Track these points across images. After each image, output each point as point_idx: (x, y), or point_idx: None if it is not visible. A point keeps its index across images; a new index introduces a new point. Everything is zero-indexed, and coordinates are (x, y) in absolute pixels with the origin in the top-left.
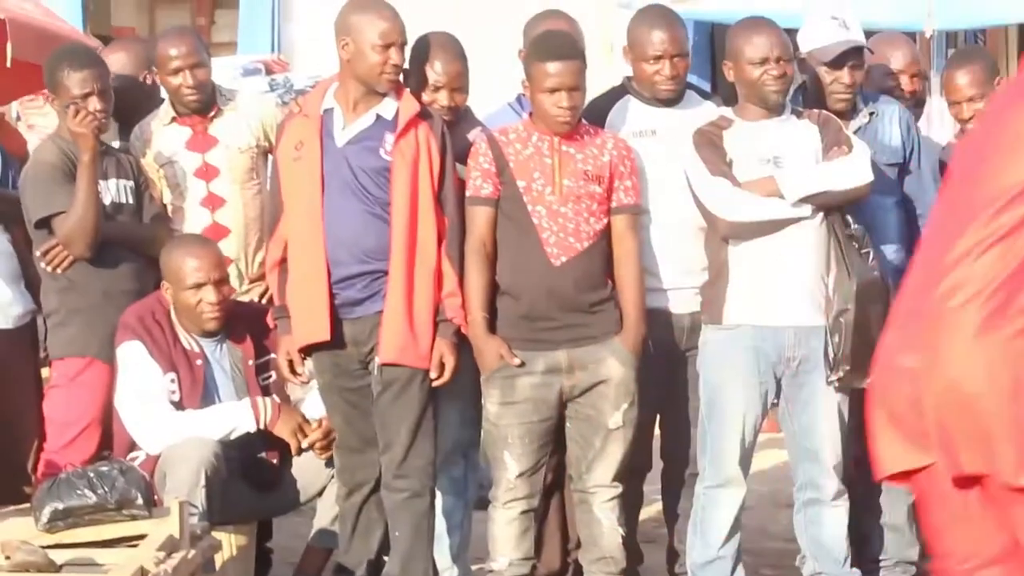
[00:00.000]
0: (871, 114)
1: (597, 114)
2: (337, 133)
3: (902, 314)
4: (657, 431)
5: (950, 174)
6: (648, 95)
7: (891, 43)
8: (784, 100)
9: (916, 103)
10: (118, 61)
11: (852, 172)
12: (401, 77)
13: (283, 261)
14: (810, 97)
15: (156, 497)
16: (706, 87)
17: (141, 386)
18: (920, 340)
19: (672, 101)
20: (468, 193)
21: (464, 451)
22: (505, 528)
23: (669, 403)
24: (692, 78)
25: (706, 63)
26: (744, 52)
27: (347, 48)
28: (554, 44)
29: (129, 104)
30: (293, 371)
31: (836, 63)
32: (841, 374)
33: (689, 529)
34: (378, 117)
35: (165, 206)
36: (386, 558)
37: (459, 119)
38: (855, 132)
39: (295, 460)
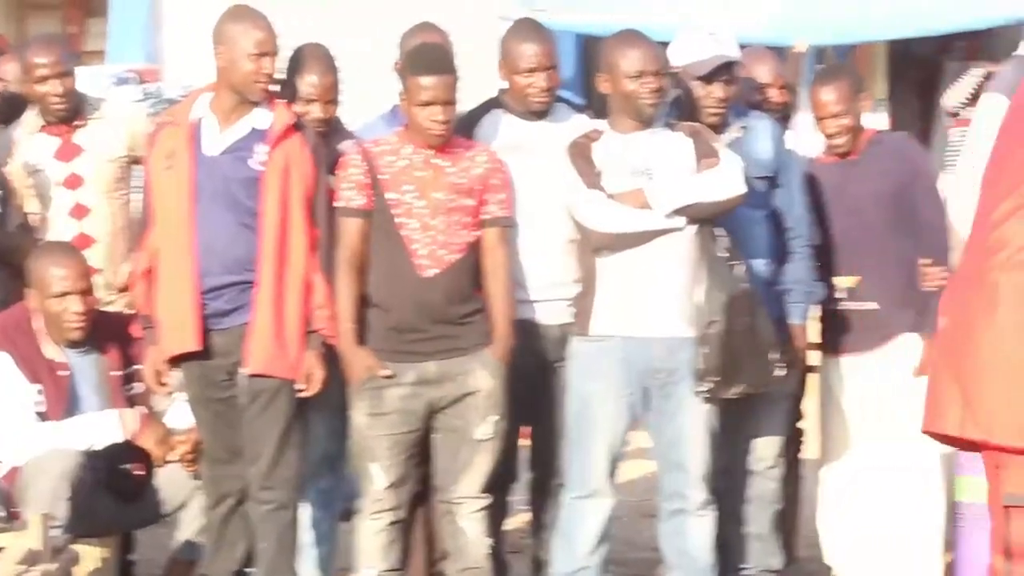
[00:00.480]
0: (743, 128)
1: (467, 127)
2: (209, 143)
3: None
4: (525, 441)
5: (1002, 131)
6: (521, 108)
7: (756, 57)
8: (657, 113)
9: (784, 116)
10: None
11: (723, 184)
12: (276, 88)
13: (151, 272)
14: (683, 111)
15: (15, 510)
16: (579, 100)
17: (5, 398)
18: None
19: (543, 114)
20: (339, 204)
21: (332, 463)
22: (372, 539)
23: (537, 414)
24: (566, 92)
25: (579, 76)
26: (619, 65)
27: (222, 56)
28: (429, 58)
29: None
30: (160, 382)
31: (709, 77)
32: (709, 385)
33: (555, 539)
34: (251, 128)
35: (27, 216)
36: (251, 570)
37: (331, 131)
38: (727, 146)
39: (159, 471)
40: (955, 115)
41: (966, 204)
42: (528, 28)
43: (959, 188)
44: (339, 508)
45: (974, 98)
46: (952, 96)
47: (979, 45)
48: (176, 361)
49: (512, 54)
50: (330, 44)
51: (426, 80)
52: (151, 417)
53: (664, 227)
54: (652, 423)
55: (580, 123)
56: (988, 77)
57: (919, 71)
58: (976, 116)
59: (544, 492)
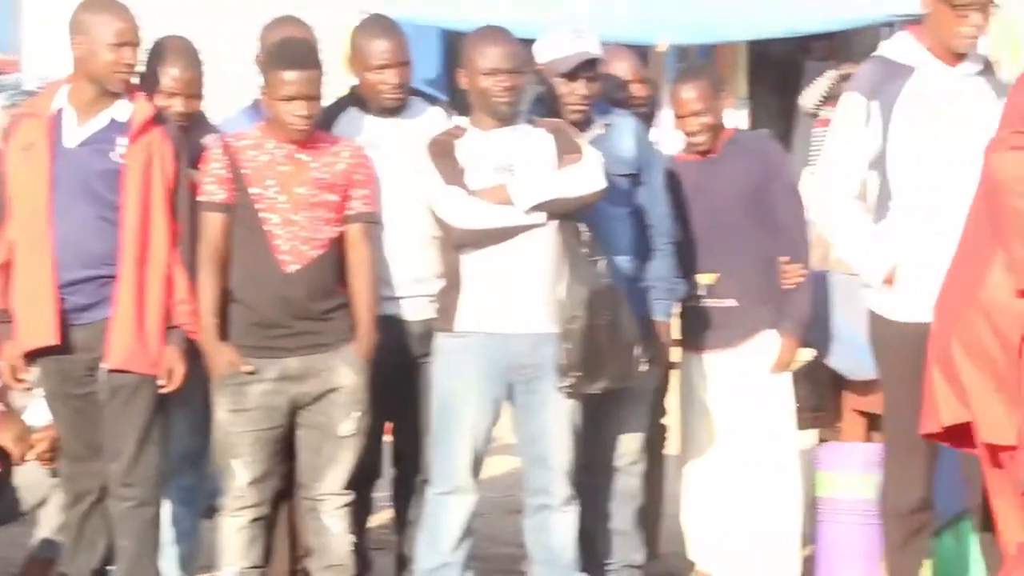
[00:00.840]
0: (606, 125)
1: (323, 125)
2: (68, 135)
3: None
4: (388, 437)
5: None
6: (374, 105)
7: (615, 55)
8: (513, 111)
9: (646, 114)
10: None
11: (583, 179)
12: (137, 80)
13: (7, 265)
14: (547, 108)
15: None
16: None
17: None
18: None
19: (396, 110)
20: (201, 199)
21: (193, 459)
22: (234, 536)
23: (401, 410)
24: (431, 88)
25: (443, 70)
26: (475, 62)
27: (80, 47)
28: (292, 52)
29: None
30: (16, 377)
31: (572, 75)
32: (572, 381)
33: (418, 535)
34: (112, 120)
35: None
36: (111, 568)
37: (193, 124)
38: (590, 143)
39: (17, 469)
40: (815, 115)
41: (826, 201)
42: (378, 24)
43: (818, 186)
44: (201, 505)
45: (829, 98)
46: (808, 97)
47: (837, 46)
48: (33, 356)
49: (363, 51)
50: (192, 37)
51: (289, 75)
52: (8, 414)
53: (525, 223)
54: (516, 419)
55: (435, 118)
56: (844, 78)
57: (779, 71)
58: (835, 115)
59: (408, 488)
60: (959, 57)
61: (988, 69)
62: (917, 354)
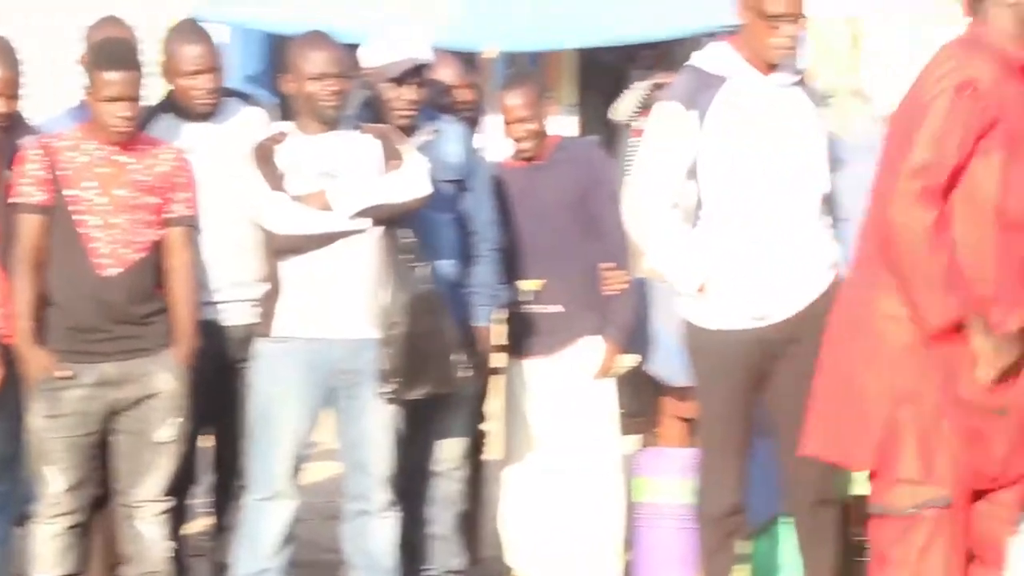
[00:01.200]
0: (434, 131)
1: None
2: None
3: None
4: (208, 443)
5: (888, 138)
6: (187, 110)
7: (442, 61)
8: (339, 115)
9: (473, 120)
10: None
11: (408, 185)
12: None
13: None
14: (374, 113)
15: None
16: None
17: None
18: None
19: (210, 115)
20: (17, 200)
21: (7, 466)
22: (48, 544)
23: (220, 415)
24: (260, 90)
25: (269, 75)
26: (301, 66)
27: None
28: (114, 53)
29: None
30: None
31: (399, 80)
32: (393, 387)
33: (237, 542)
34: None
35: None
36: None
37: (12, 125)
38: (418, 149)
39: None
40: (628, 126)
41: (640, 210)
42: (189, 30)
43: (633, 195)
44: (14, 512)
45: (644, 108)
46: (620, 109)
47: (663, 56)
48: None
49: (174, 57)
50: (12, 36)
51: (110, 75)
52: None
53: (347, 229)
54: (337, 424)
55: (251, 119)
56: (656, 87)
57: (607, 79)
58: (649, 124)
59: (226, 494)
60: (773, 67)
61: (803, 80)
62: (730, 361)
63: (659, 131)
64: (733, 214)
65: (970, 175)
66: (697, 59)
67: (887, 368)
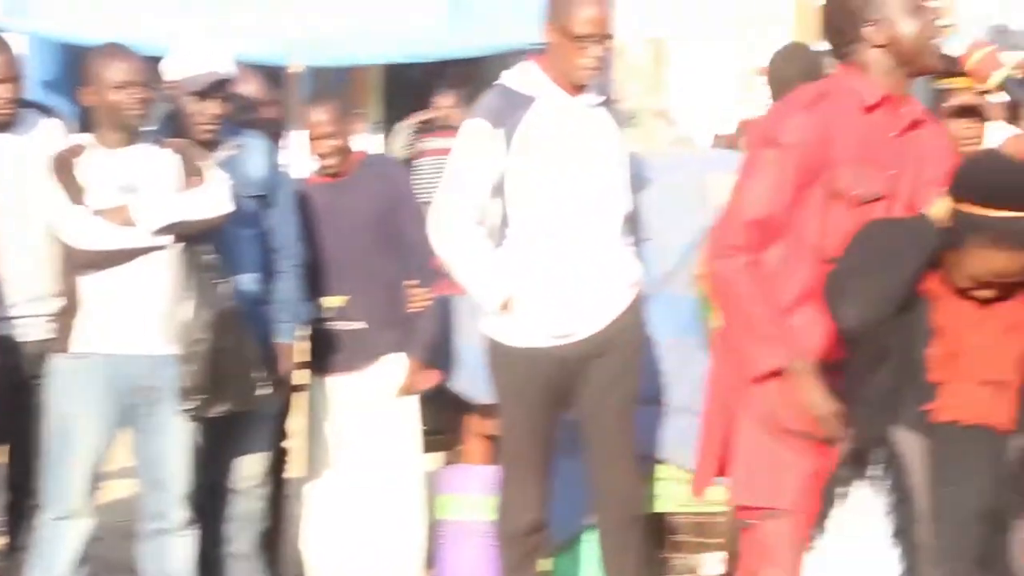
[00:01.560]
0: (238, 146)
1: None
2: None
3: None
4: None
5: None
6: None
7: (245, 75)
8: (143, 125)
9: (276, 135)
10: None
11: (209, 202)
12: None
13: None
14: (176, 127)
15: None
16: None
17: None
18: None
19: (7, 125)
20: None
21: None
22: None
23: (14, 432)
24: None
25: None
26: (103, 76)
27: None
28: None
29: None
30: None
31: (203, 94)
32: (194, 404)
33: (31, 561)
34: None
35: None
36: None
37: None
38: (221, 164)
39: None
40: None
41: (445, 227)
42: None
43: (435, 211)
44: None
45: (415, 142)
46: (393, 149)
47: (470, 73)
48: None
49: None
50: None
51: None
52: None
53: (148, 244)
54: (134, 442)
55: (49, 131)
56: (423, 125)
57: (413, 95)
58: (456, 142)
59: (20, 513)
60: (581, 88)
61: (611, 100)
62: (531, 379)
63: (465, 148)
64: (537, 233)
65: (797, 223)
66: (506, 78)
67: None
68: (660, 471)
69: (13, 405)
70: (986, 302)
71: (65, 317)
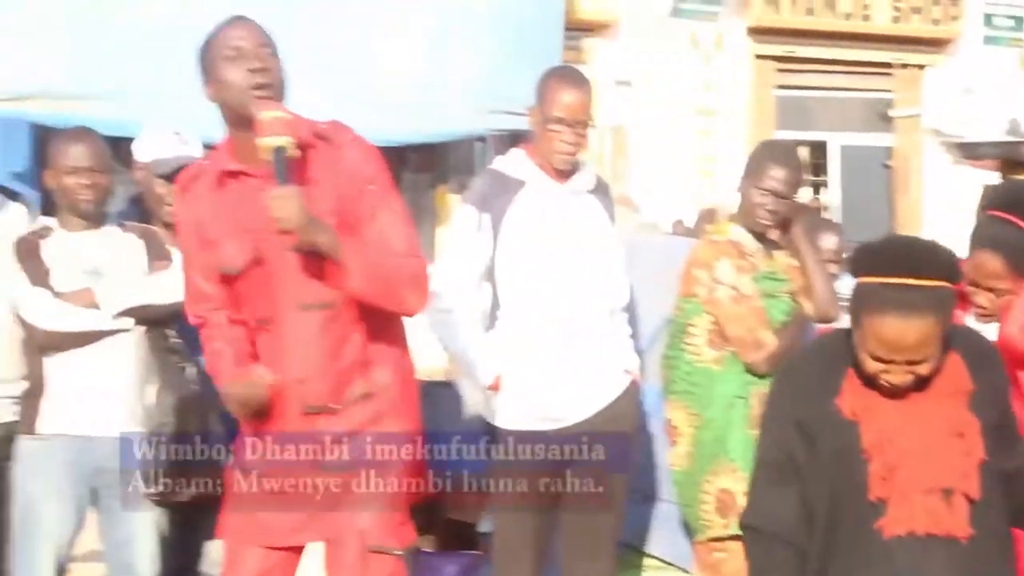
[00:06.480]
0: None
1: None
2: None
3: None
4: None
5: None
6: None
7: None
8: (97, 210)
9: None
10: None
11: (174, 286)
12: None
13: None
14: (143, 208)
15: None
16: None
17: None
18: None
19: None
20: None
21: None
22: None
23: None
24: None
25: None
26: (59, 160)
27: None
28: None
29: None
30: None
31: (171, 176)
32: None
33: None
34: None
35: None
36: None
37: None
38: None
39: None
40: None
41: (437, 310)
42: None
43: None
44: None
45: None
46: None
47: (435, 158)
48: None
49: None
50: None
51: None
52: None
53: (112, 327)
54: (102, 525)
55: (16, 214)
56: None
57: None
58: (449, 228)
59: None
60: (567, 174)
61: (601, 187)
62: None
63: (455, 233)
64: (527, 316)
65: None
66: (498, 163)
67: None
68: (634, 561)
69: None
70: (903, 395)
71: (31, 399)
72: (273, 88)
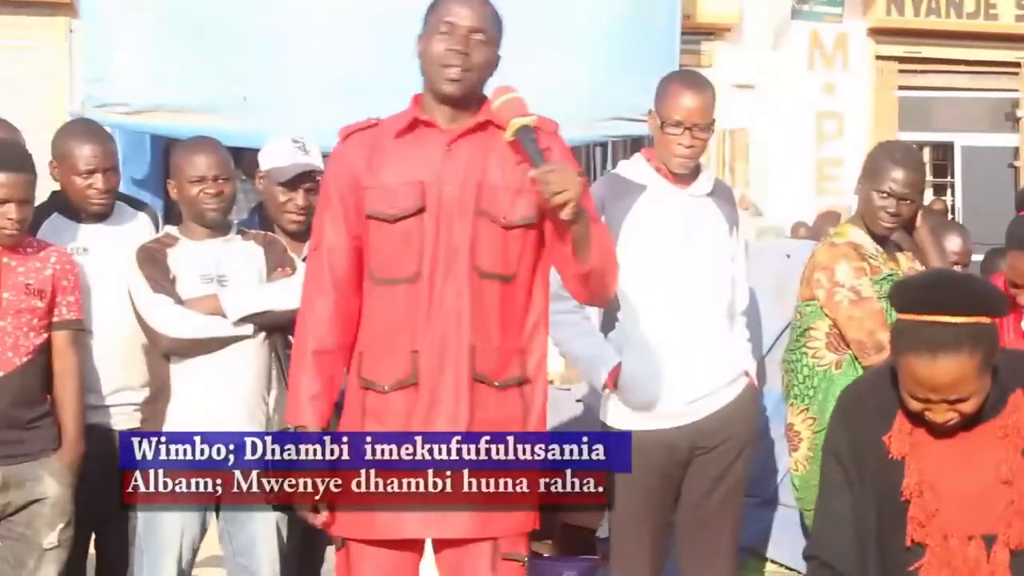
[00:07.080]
0: None
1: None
2: None
3: None
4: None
5: None
6: (80, 210)
7: None
8: (222, 219)
9: None
10: None
11: (294, 293)
12: None
13: None
14: (265, 216)
15: None
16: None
17: None
18: None
19: (103, 216)
20: None
21: None
22: None
23: (107, 521)
24: (145, 194)
25: (156, 177)
26: (183, 170)
27: None
28: (4, 155)
29: None
30: None
31: (291, 184)
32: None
33: None
34: None
35: None
36: None
37: None
38: (304, 257)
39: None
40: None
41: (554, 316)
42: (84, 129)
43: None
44: None
45: None
46: None
47: None
48: None
49: (69, 156)
50: None
51: (1, 177)
52: None
53: (234, 334)
54: (223, 532)
55: (142, 223)
56: None
57: None
58: None
59: None
60: (686, 178)
61: (721, 191)
62: (641, 465)
63: None
64: (646, 317)
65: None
66: (620, 167)
67: None
68: (754, 566)
69: (105, 494)
70: (951, 433)
71: (155, 404)
72: (465, 78)
